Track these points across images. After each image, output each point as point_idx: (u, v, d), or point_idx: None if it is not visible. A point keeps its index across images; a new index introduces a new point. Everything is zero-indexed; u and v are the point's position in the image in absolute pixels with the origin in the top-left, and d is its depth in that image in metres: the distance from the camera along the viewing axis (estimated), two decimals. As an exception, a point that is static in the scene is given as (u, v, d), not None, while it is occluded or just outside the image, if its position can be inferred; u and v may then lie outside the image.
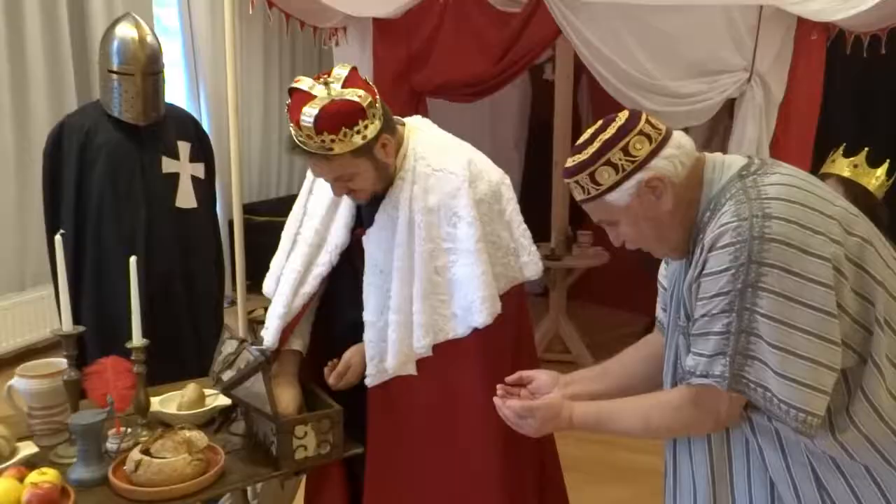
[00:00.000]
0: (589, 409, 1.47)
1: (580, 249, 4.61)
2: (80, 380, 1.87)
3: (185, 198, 2.63)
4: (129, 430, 1.84)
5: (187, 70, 5.41)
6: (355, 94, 1.65)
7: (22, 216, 4.28)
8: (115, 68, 2.48)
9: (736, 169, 1.31)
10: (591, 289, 5.19)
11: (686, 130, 4.75)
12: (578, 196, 1.37)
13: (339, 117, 1.62)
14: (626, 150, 1.29)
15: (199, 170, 2.68)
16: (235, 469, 1.75)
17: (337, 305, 1.97)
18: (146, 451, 1.66)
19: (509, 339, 1.89)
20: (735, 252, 1.21)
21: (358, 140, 1.66)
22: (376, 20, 3.62)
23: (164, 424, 1.89)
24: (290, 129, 1.68)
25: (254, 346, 2.07)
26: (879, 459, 1.26)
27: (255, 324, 2.73)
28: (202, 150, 2.72)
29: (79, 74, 4.49)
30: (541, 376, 1.59)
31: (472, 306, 1.78)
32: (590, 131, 1.35)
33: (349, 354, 1.87)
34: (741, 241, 1.21)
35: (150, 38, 2.54)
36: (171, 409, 1.96)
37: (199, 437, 1.72)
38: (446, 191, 1.79)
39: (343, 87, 1.66)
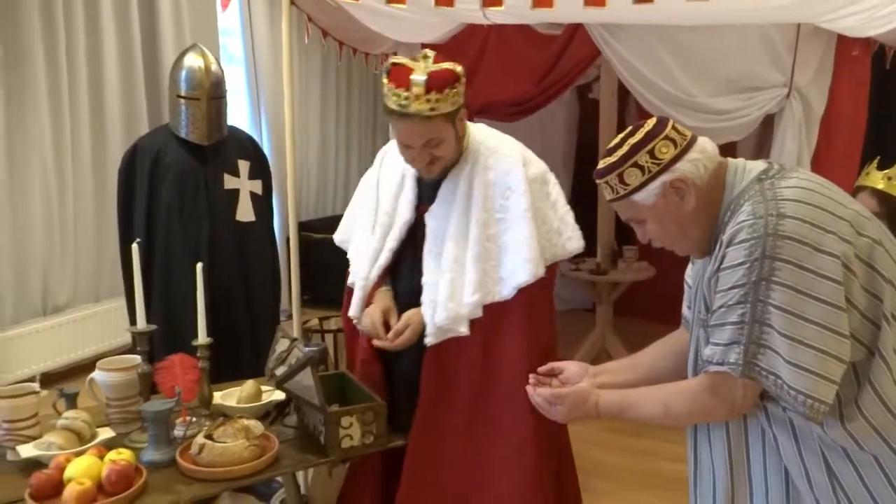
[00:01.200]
0: (614, 397, 1.59)
1: (626, 264, 4.69)
2: (152, 373, 2.08)
3: (245, 212, 2.84)
4: (194, 419, 2.03)
5: (250, 96, 5.70)
6: (450, 65, 1.93)
7: (98, 234, 4.58)
8: (182, 94, 2.72)
9: (756, 173, 1.41)
10: (638, 304, 5.23)
11: (734, 146, 4.82)
12: (608, 196, 1.49)
13: (443, 78, 1.89)
14: (652, 153, 1.41)
15: (257, 186, 2.89)
16: (288, 455, 1.92)
17: (397, 277, 2.17)
18: (209, 437, 1.84)
19: (549, 307, 2.14)
20: (751, 247, 1.31)
21: (457, 101, 1.92)
22: (424, 45, 3.80)
23: (225, 415, 2.08)
24: (390, 95, 1.91)
25: (307, 346, 2.26)
26: (886, 449, 1.34)
27: (310, 332, 2.92)
28: (260, 169, 2.93)
29: (150, 100, 4.80)
30: (571, 367, 1.72)
31: (516, 268, 2.00)
32: (620, 136, 1.47)
33: (408, 315, 2.06)
34: (756, 237, 1.31)
35: (214, 67, 2.78)
36: (231, 402, 2.15)
37: (255, 426, 1.90)
38: (503, 168, 2.05)
39: (434, 62, 1.93)
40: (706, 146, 1.45)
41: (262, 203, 2.92)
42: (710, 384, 1.41)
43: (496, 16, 2.97)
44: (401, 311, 2.10)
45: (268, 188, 2.96)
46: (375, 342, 2.08)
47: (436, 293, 2.02)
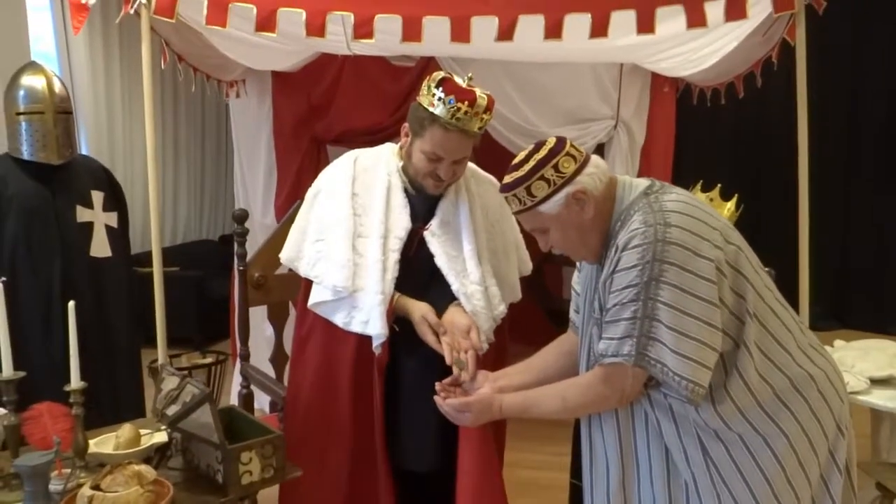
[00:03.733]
0: (515, 398, 1.75)
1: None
2: (20, 425, 1.90)
3: (100, 247, 2.67)
4: (69, 471, 1.88)
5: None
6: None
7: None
8: (22, 110, 2.52)
9: (641, 188, 1.61)
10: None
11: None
12: (515, 207, 1.64)
13: (493, 102, 1.97)
14: (556, 168, 1.58)
15: (112, 219, 2.73)
16: (185, 500, 1.83)
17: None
18: (97, 487, 1.72)
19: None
20: (642, 252, 1.49)
21: (485, 124, 1.99)
22: (275, 73, 3.78)
23: (102, 465, 1.94)
24: (448, 109, 1.91)
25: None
26: (749, 428, 1.56)
27: (187, 370, 2.77)
28: (115, 200, 2.78)
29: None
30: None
31: (514, 287, 2.19)
32: (524, 153, 1.63)
33: (453, 313, 2.04)
34: (647, 242, 1.49)
35: (56, 82, 2.61)
36: (108, 449, 2.01)
37: (147, 470, 1.79)
38: (491, 193, 2.17)
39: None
40: (599, 162, 1.64)
41: (118, 237, 2.76)
42: (603, 375, 1.59)
43: (361, 48, 3.02)
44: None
45: (123, 220, 2.80)
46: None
47: (472, 303, 2.05)
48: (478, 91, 1.94)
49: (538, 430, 4.21)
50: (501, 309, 2.12)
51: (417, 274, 2.08)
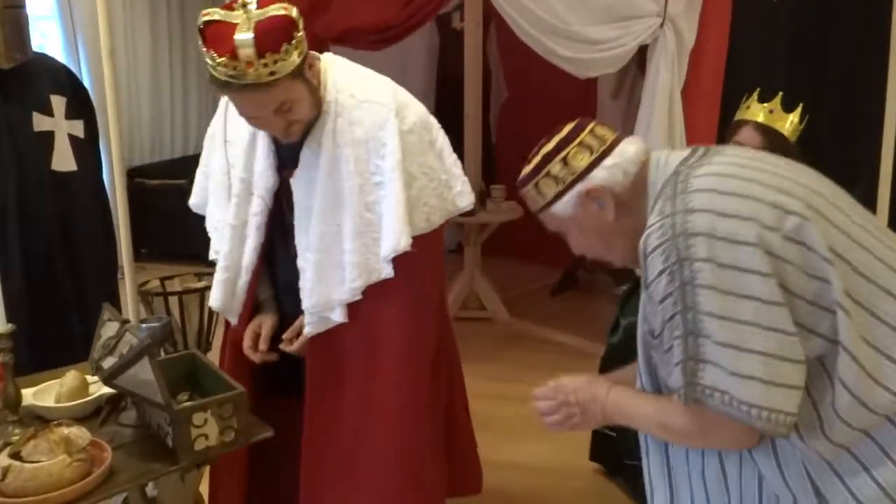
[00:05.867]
0: (623, 394, 1.37)
1: (494, 204, 4.51)
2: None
3: (63, 160, 2.35)
4: (-1, 428, 1.61)
5: (62, 22, 4.92)
6: (280, 8, 1.51)
7: None
8: (-37, 4, 2.16)
9: (675, 164, 1.27)
10: (506, 244, 5.12)
11: (594, 85, 4.69)
12: (532, 207, 1.39)
13: (276, 33, 1.50)
14: (565, 162, 1.31)
15: (77, 128, 2.40)
16: (126, 467, 1.55)
17: (273, 262, 1.86)
18: (16, 455, 1.44)
19: (439, 274, 1.91)
20: (664, 253, 1.17)
21: (296, 57, 1.54)
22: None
23: (41, 419, 1.67)
24: (216, 66, 1.50)
25: (144, 323, 1.88)
26: (878, 452, 1.16)
27: (150, 296, 2.49)
28: (80, 105, 2.43)
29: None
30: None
31: (395, 235, 1.70)
32: (540, 143, 1.37)
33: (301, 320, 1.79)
34: (666, 240, 1.17)
35: (3, -31, 2.22)
36: (49, 401, 1.74)
37: (79, 434, 1.51)
38: (374, 121, 1.70)
39: (259, 7, 1.51)
40: (628, 149, 1.31)
41: (86, 148, 2.42)
42: (689, 412, 1.21)
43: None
44: (287, 306, 1.82)
45: (92, 129, 2.46)
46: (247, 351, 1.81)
47: (305, 277, 1.73)
48: (239, 33, 1.48)
49: (549, 358, 3.95)
50: (354, 286, 1.70)
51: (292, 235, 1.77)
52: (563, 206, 1.32)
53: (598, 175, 1.29)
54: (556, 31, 3.19)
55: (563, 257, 5.12)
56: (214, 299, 1.83)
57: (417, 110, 1.78)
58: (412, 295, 1.76)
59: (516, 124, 5.37)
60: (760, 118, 2.59)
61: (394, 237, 1.68)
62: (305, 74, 1.60)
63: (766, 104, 2.59)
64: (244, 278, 1.80)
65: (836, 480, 1.18)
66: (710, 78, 3.61)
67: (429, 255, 1.78)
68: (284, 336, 1.79)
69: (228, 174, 1.81)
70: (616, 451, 2.64)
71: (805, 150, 2.59)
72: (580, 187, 1.30)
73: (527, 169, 1.36)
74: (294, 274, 1.76)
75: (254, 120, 1.63)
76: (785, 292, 1.12)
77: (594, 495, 2.85)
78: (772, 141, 2.56)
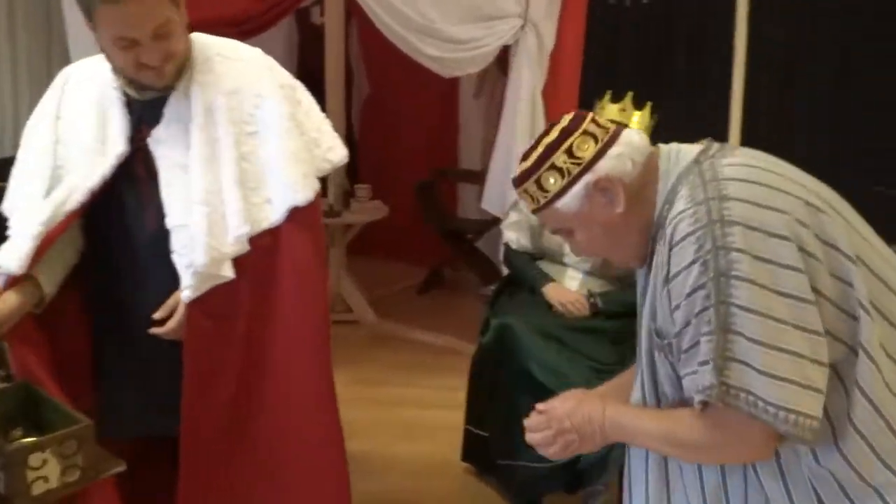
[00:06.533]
0: (621, 412, 1.28)
1: (359, 204, 4.43)
2: None
3: None
4: None
5: None
6: None
7: None
8: None
9: (693, 155, 1.22)
10: (369, 243, 5.05)
11: (457, 84, 4.71)
12: (530, 205, 1.30)
13: None
14: (570, 153, 1.23)
15: None
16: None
17: (119, 236, 1.69)
18: None
19: (321, 229, 1.83)
20: (698, 240, 1.10)
21: None
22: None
23: None
24: None
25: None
26: (892, 476, 1.11)
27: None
28: None
29: None
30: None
31: (291, 185, 1.64)
32: (538, 137, 1.29)
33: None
34: (701, 226, 1.10)
35: None
36: None
37: None
38: (247, 72, 1.68)
39: None
40: (633, 138, 1.25)
41: None
42: (706, 418, 1.14)
43: None
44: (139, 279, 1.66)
45: None
46: None
47: (189, 234, 1.58)
48: None
49: (418, 358, 3.93)
50: (241, 232, 1.60)
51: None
52: (570, 199, 1.24)
53: (606, 165, 1.22)
54: (421, 29, 3.16)
55: (430, 255, 5.13)
56: (16, 261, 1.57)
57: (285, 73, 1.78)
58: (311, 249, 1.70)
59: (379, 122, 5.31)
60: (616, 118, 2.68)
61: (311, 185, 1.67)
62: (179, 4, 1.56)
63: (617, 104, 2.69)
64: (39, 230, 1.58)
65: (845, 501, 1.13)
66: (568, 79, 3.71)
67: (314, 212, 1.73)
68: (156, 315, 1.60)
69: (54, 152, 1.65)
70: (488, 451, 2.64)
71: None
72: (588, 178, 1.22)
73: (525, 164, 1.27)
74: (144, 252, 1.63)
75: (131, 50, 1.52)
76: (814, 291, 1.08)
77: (466, 495, 2.85)
78: None
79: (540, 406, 1.34)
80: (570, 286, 2.69)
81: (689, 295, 1.11)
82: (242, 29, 3.10)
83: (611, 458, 2.34)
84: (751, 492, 1.19)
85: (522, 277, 2.79)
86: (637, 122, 2.70)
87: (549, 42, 3.54)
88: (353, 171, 4.91)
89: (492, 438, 2.62)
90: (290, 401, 1.69)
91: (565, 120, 1.27)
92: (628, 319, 2.64)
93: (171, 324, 1.60)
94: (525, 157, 1.28)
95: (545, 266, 2.77)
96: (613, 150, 1.23)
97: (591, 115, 1.27)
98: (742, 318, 1.07)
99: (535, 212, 1.31)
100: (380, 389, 3.60)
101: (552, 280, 2.70)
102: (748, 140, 3.26)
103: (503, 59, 3.60)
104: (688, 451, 1.20)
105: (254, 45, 1.81)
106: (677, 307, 1.13)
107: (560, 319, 2.60)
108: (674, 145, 1.27)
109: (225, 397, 1.64)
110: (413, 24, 3.14)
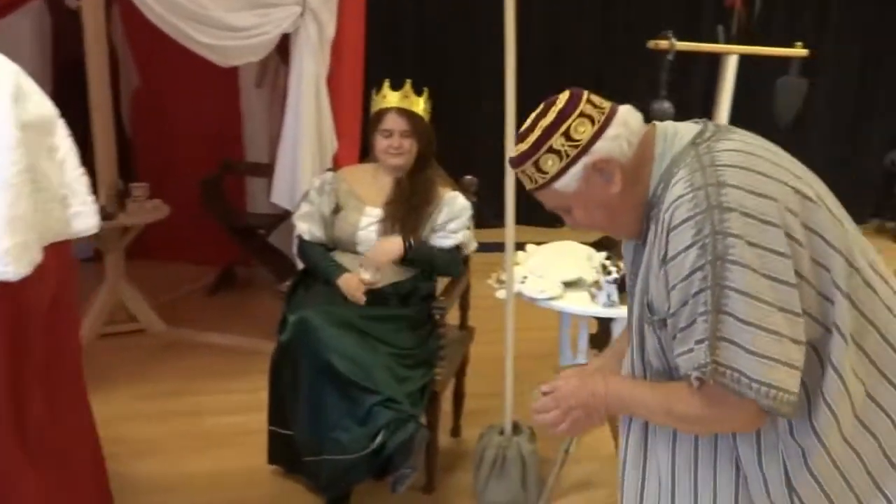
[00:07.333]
0: (623, 385, 1.37)
1: (136, 205, 4.10)
2: None
3: None
4: None
5: None
6: None
7: None
8: None
9: (689, 137, 1.26)
10: (151, 246, 4.73)
11: (235, 74, 4.52)
12: (528, 185, 1.32)
13: None
14: (567, 135, 1.26)
15: None
16: None
17: None
18: None
19: (43, 303, 1.57)
20: (697, 224, 1.15)
21: None
22: None
23: None
24: None
25: None
26: (849, 451, 1.22)
27: None
28: None
29: None
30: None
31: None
32: (532, 117, 1.31)
33: None
34: (700, 211, 1.15)
35: None
36: None
37: None
38: None
39: None
40: (628, 118, 1.29)
41: None
42: (702, 395, 1.21)
43: None
44: None
45: None
46: None
47: None
48: None
49: (214, 363, 3.75)
50: None
51: None
52: (568, 180, 1.27)
53: (603, 146, 1.25)
54: (193, 16, 2.99)
55: (220, 254, 4.88)
56: None
57: (44, 106, 1.53)
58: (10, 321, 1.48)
59: (153, 116, 4.96)
60: (400, 104, 2.72)
61: (27, 257, 1.42)
62: None
63: (398, 91, 2.73)
64: None
65: (805, 472, 1.23)
66: (351, 67, 3.70)
67: (38, 287, 1.51)
68: None
69: None
70: (294, 449, 2.58)
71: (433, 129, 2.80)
72: (586, 160, 1.26)
73: (523, 146, 1.29)
74: None
75: None
76: (797, 275, 1.15)
77: (278, 498, 2.76)
78: (414, 123, 2.72)
79: (544, 387, 1.40)
80: (364, 275, 2.68)
81: (686, 276, 1.17)
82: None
83: (415, 442, 2.38)
84: (721, 459, 1.29)
85: (317, 269, 2.74)
86: (423, 109, 2.76)
87: (330, 29, 3.49)
88: (127, 169, 4.55)
89: (297, 436, 2.55)
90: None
91: (561, 101, 1.28)
92: (424, 304, 2.72)
93: None
94: (521, 138, 1.30)
95: (340, 256, 2.74)
96: (610, 132, 1.26)
97: (586, 94, 1.29)
98: (734, 300, 1.14)
99: (533, 192, 1.33)
100: (176, 401, 3.39)
101: (346, 271, 2.67)
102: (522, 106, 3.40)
103: (284, 47, 3.50)
104: (683, 422, 1.28)
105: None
106: (674, 287, 1.19)
107: (358, 309, 2.59)
108: (669, 124, 1.31)
109: None
110: (183, 11, 2.95)
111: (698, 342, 1.17)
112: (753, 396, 1.15)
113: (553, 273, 3.09)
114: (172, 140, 4.92)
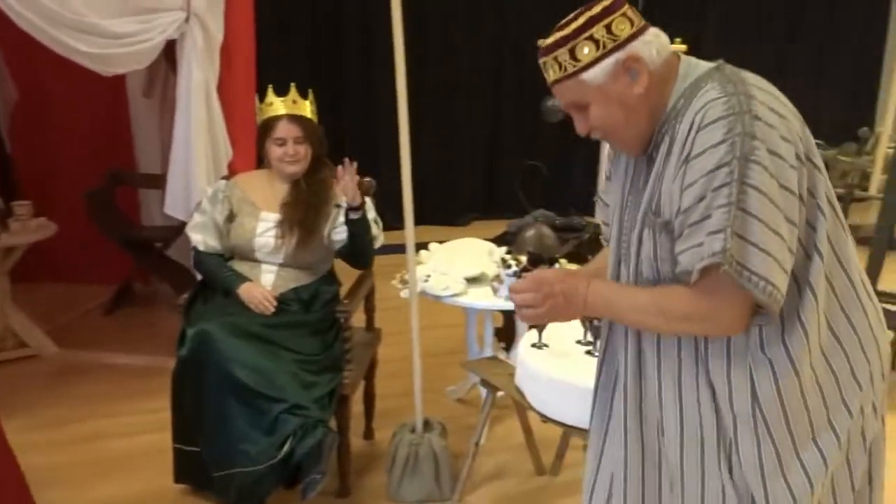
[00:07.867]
0: (603, 287, 1.43)
1: (19, 224, 3.89)
2: None
3: None
4: None
5: None
6: None
7: None
8: None
9: (712, 64, 1.36)
10: (38, 266, 4.48)
11: (122, 82, 4.36)
12: (553, 75, 1.36)
13: None
14: (609, 28, 1.32)
15: None
16: None
17: None
18: None
19: None
20: (729, 124, 1.23)
21: None
22: None
23: None
24: None
25: None
26: (810, 372, 1.33)
27: None
28: None
29: None
30: None
31: None
32: (575, 12, 1.35)
33: None
34: (733, 113, 1.24)
35: None
36: None
37: None
38: None
39: None
40: (660, 34, 1.38)
41: None
42: (703, 286, 1.29)
43: None
44: None
45: None
46: None
47: None
48: None
49: (114, 385, 3.61)
50: None
51: None
52: (597, 72, 1.32)
53: (638, 46, 1.32)
54: (69, 24, 2.85)
55: (115, 271, 4.69)
56: None
57: None
58: None
59: (35, 131, 4.71)
60: (290, 111, 2.69)
61: None
62: None
63: (286, 97, 2.70)
64: None
65: (771, 383, 1.33)
66: (243, 73, 3.62)
67: None
68: None
69: None
70: (201, 466, 2.52)
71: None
72: (619, 55, 1.32)
73: (561, 33, 1.33)
74: None
75: None
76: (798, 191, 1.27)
77: (188, 517, 2.69)
78: (306, 128, 2.70)
79: (527, 274, 1.45)
80: (265, 281, 2.64)
81: (710, 171, 1.24)
82: None
83: (324, 447, 2.36)
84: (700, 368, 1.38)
85: (215, 280, 2.68)
86: (311, 112, 2.74)
87: (218, 35, 3.41)
88: (8, 187, 4.32)
89: (204, 452, 2.49)
90: None
91: (607, 0, 1.34)
92: (327, 309, 2.70)
93: None
94: (562, 26, 1.34)
95: (238, 265, 2.69)
96: (646, 37, 1.34)
97: (627, 3, 1.35)
98: (753, 198, 1.22)
99: (556, 82, 1.36)
100: (75, 427, 3.24)
101: (246, 279, 2.63)
102: (416, 107, 3.41)
103: (171, 54, 3.40)
104: (670, 320, 1.34)
105: None
106: (693, 183, 1.26)
107: (259, 318, 2.55)
108: (692, 58, 1.40)
109: None
110: (58, 18, 2.81)
111: (712, 233, 1.25)
112: (752, 289, 1.24)
113: (456, 270, 3.14)
114: (57, 155, 4.70)
